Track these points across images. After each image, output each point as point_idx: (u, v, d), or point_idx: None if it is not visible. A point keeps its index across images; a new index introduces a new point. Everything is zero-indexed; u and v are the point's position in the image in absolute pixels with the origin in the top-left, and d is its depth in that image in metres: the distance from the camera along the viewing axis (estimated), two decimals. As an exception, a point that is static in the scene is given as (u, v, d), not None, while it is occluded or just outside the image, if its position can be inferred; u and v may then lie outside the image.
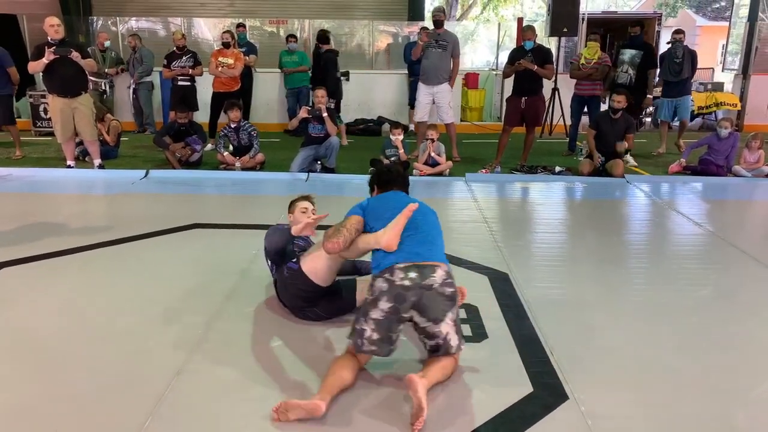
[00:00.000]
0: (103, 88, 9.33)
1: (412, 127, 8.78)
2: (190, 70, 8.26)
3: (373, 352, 2.41)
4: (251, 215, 5.07)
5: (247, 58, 8.71)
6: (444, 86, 7.28)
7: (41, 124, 9.31)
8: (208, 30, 11.97)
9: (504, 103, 8.14)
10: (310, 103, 7.53)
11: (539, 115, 7.17)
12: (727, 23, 13.62)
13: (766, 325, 3.05)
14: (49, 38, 6.25)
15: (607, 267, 3.87)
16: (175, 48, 8.33)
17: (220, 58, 7.99)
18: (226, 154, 6.90)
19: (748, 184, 6.53)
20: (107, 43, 9.56)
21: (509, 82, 7.42)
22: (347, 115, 9.95)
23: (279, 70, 9.73)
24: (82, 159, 7.16)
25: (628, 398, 2.37)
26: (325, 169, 6.75)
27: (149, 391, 2.35)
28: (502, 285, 3.50)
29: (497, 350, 2.73)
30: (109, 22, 11.63)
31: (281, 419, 2.15)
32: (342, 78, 9.23)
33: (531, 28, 6.94)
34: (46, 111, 8.96)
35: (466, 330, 2.86)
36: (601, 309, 3.20)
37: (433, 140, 6.64)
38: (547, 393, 2.38)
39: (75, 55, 6.24)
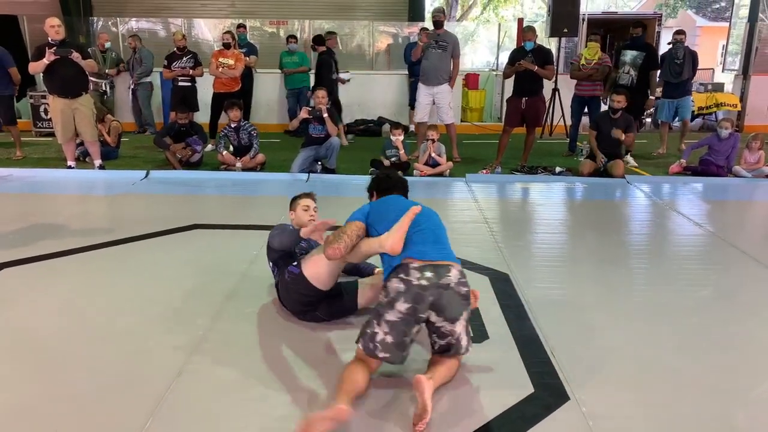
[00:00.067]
0: (104, 88, 9.33)
1: (412, 127, 8.78)
2: (191, 71, 8.27)
3: (385, 359, 2.33)
4: (252, 216, 5.07)
5: (247, 58, 8.72)
6: (444, 87, 7.28)
7: (42, 124, 9.32)
8: (208, 31, 11.98)
9: (504, 104, 8.16)
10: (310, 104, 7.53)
11: (539, 116, 7.18)
12: (727, 24, 13.60)
13: (766, 325, 3.05)
14: (49, 39, 6.26)
15: (608, 267, 3.87)
16: (175, 49, 8.34)
17: (220, 59, 8.00)
18: (225, 153, 6.91)
19: (748, 185, 6.53)
20: (108, 44, 9.58)
21: (509, 83, 7.43)
22: (347, 115, 9.95)
23: (279, 71, 9.74)
24: (83, 159, 7.16)
25: (628, 398, 2.37)
26: (326, 170, 6.75)
27: (149, 392, 2.35)
28: (502, 285, 3.50)
29: (498, 351, 2.73)
30: (110, 23, 11.64)
31: None
32: (340, 82, 9.20)
33: (531, 29, 6.94)
34: (46, 111, 8.97)
35: (466, 330, 2.86)
36: (601, 309, 3.20)
37: (433, 141, 6.64)
38: (548, 393, 2.38)
39: (75, 56, 6.25)
